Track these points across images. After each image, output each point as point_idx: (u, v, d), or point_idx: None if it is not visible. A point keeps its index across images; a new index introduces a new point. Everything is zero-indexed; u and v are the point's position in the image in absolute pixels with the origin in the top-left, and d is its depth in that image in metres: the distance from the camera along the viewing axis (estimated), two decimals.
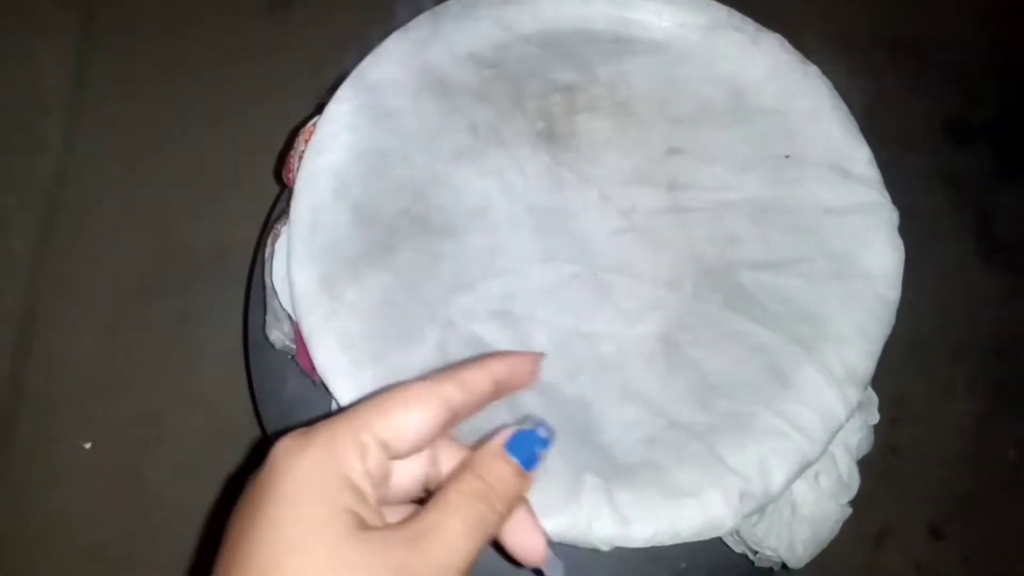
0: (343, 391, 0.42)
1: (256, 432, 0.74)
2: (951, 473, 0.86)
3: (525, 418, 0.31)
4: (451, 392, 0.27)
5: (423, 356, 0.43)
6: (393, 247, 0.46)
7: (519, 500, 0.29)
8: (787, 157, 0.49)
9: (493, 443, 0.29)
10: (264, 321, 0.48)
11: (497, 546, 0.30)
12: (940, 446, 0.87)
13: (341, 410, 0.32)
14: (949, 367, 0.90)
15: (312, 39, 0.94)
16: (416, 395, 0.27)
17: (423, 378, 0.28)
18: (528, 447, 0.29)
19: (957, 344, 0.91)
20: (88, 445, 0.79)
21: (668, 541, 0.39)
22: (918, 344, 0.87)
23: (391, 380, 0.42)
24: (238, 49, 0.94)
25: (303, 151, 0.48)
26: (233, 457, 0.79)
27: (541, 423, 0.30)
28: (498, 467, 0.28)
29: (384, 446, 0.26)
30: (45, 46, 0.91)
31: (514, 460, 0.29)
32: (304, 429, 0.26)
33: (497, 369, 0.30)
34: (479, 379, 0.29)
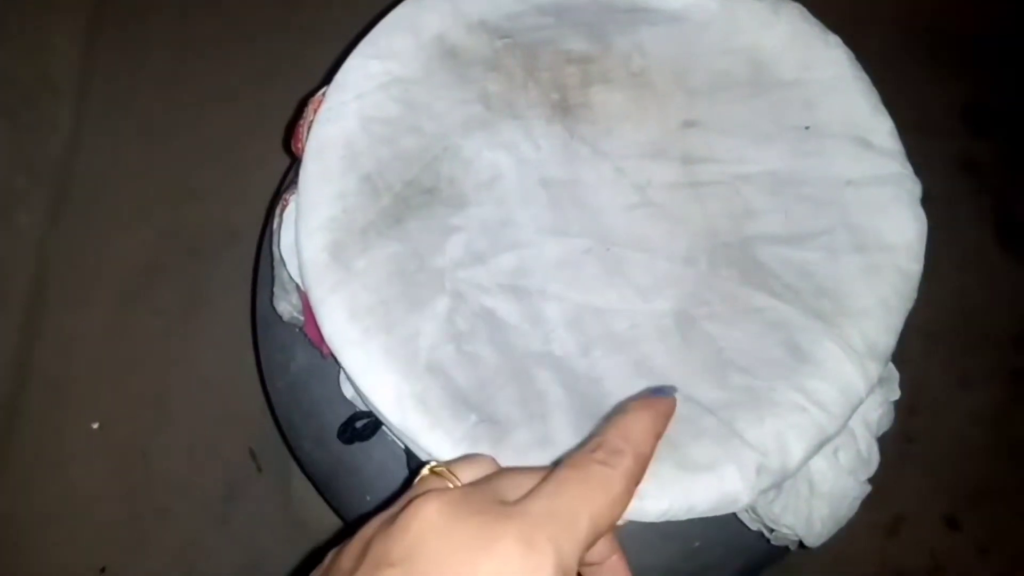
0: (352, 361, 0.41)
1: (264, 411, 0.74)
2: (968, 463, 0.85)
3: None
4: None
5: (433, 328, 0.43)
6: (402, 217, 0.45)
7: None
8: (807, 129, 0.48)
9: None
10: (272, 294, 0.48)
11: None
12: (957, 436, 0.86)
13: None
14: (966, 356, 0.89)
15: (323, 18, 0.93)
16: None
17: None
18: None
19: (975, 333, 0.90)
20: (96, 425, 0.79)
21: (683, 516, 0.38)
22: (935, 333, 0.86)
23: (400, 351, 0.41)
24: (248, 29, 0.94)
25: (312, 120, 0.47)
26: (240, 439, 0.78)
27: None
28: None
29: None
30: (56, 25, 0.91)
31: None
32: None
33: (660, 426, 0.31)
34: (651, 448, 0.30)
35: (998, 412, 0.87)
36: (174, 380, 0.80)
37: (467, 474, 0.29)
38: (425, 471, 0.29)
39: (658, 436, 0.30)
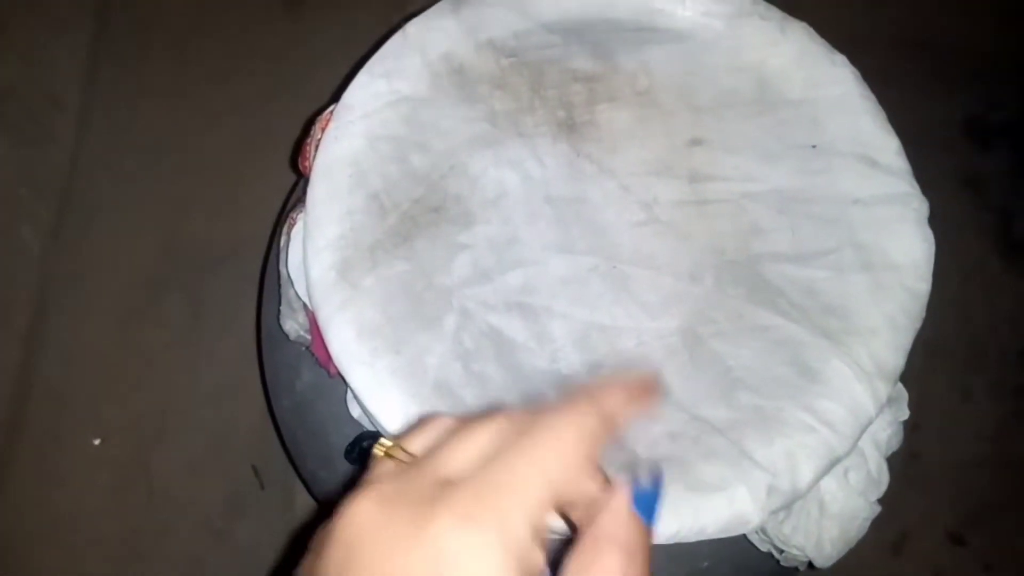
0: (360, 381, 0.41)
1: (267, 427, 0.74)
2: (972, 479, 0.85)
3: (634, 462, 0.26)
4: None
5: (440, 346, 0.42)
6: (410, 236, 0.45)
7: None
8: (813, 147, 0.48)
9: (617, 502, 0.25)
10: (279, 312, 0.48)
11: None
12: (961, 451, 0.86)
13: None
14: (970, 371, 0.89)
15: (328, 35, 0.93)
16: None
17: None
18: (649, 505, 0.25)
19: (978, 348, 0.90)
20: (97, 441, 0.78)
21: (693, 537, 0.38)
22: (939, 348, 0.86)
23: (408, 371, 0.41)
24: (252, 45, 0.94)
25: (320, 139, 0.47)
26: (243, 455, 0.78)
27: (655, 471, 0.26)
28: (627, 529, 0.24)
29: None
30: (59, 40, 0.91)
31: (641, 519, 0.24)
32: None
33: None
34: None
35: (1002, 428, 0.87)
36: (176, 395, 0.80)
37: (419, 443, 0.25)
38: (378, 451, 0.26)
39: (631, 405, 0.26)
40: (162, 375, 0.80)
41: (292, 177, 0.66)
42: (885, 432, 0.44)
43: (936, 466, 0.84)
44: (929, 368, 0.85)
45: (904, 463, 0.83)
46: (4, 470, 0.76)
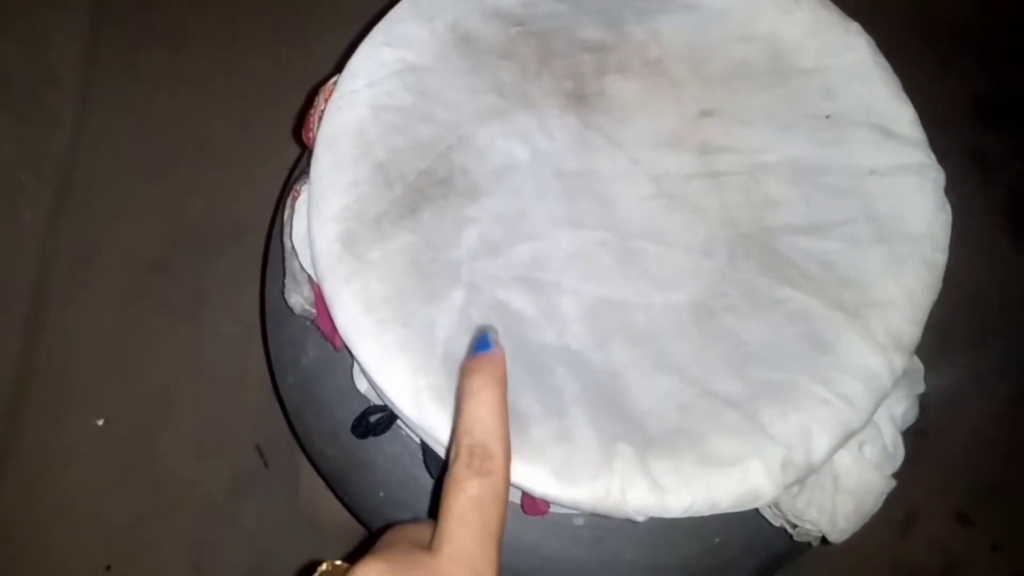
0: (367, 354, 0.40)
1: (271, 407, 0.73)
2: (980, 459, 0.84)
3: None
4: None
5: (448, 320, 0.42)
6: (416, 208, 0.44)
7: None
8: (827, 117, 0.47)
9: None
10: (283, 286, 0.47)
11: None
12: (969, 431, 0.85)
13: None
14: (978, 350, 0.88)
15: (329, 12, 0.92)
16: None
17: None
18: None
19: (987, 327, 0.89)
20: (101, 422, 0.78)
21: (706, 511, 0.37)
22: (947, 326, 0.85)
23: (416, 344, 0.40)
24: (252, 23, 0.93)
25: (323, 109, 0.46)
26: (247, 435, 0.78)
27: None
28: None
29: None
30: (59, 20, 0.90)
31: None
32: None
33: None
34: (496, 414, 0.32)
35: (1011, 408, 0.87)
36: (179, 376, 0.80)
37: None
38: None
39: (505, 404, 0.32)
40: (165, 356, 0.80)
41: (295, 156, 0.66)
42: (901, 405, 0.43)
43: (944, 446, 0.83)
44: (937, 347, 0.84)
45: (912, 443, 0.83)
46: (7, 453, 0.76)
